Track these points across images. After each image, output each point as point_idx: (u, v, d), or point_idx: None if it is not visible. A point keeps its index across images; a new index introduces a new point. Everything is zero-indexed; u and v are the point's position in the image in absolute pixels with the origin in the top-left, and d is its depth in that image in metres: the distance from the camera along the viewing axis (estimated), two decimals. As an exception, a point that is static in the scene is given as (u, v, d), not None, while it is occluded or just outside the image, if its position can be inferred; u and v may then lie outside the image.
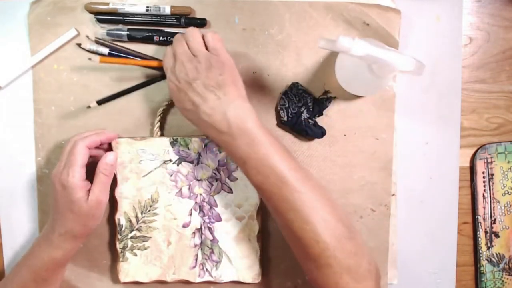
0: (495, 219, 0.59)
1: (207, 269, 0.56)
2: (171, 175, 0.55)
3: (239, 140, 0.47)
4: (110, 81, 0.56)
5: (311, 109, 0.56)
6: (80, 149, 0.50)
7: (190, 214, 0.56)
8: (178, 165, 0.55)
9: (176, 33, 0.54)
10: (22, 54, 0.56)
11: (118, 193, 0.55)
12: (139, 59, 0.56)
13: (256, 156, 0.46)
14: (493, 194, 0.59)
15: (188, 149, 0.55)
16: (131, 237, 0.56)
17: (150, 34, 0.55)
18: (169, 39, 0.55)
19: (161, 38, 0.55)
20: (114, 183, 0.55)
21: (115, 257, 0.58)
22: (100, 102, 0.55)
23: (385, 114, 0.57)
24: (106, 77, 0.56)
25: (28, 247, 0.59)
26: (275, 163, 0.46)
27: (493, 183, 0.59)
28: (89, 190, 0.51)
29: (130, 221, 0.56)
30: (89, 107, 0.55)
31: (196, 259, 0.56)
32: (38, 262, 0.51)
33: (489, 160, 0.58)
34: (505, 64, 0.58)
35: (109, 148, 0.55)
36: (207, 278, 0.56)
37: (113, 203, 0.56)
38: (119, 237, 0.56)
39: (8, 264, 0.59)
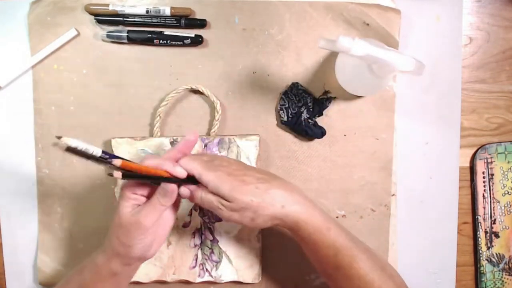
0: (495, 219, 0.59)
1: (207, 269, 0.56)
2: (171, 175, 0.55)
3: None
4: (110, 81, 0.56)
5: (311, 109, 0.56)
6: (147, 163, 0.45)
7: (190, 214, 0.56)
8: (178, 165, 0.55)
9: (176, 35, 0.55)
10: (22, 54, 0.56)
11: (118, 193, 0.55)
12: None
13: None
14: (493, 194, 0.59)
15: (188, 149, 0.55)
16: (131, 237, 0.56)
17: (150, 36, 0.55)
18: (169, 42, 0.55)
19: (161, 41, 0.55)
20: (114, 183, 0.55)
21: (115, 257, 0.58)
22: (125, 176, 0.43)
23: (385, 114, 0.57)
24: (106, 77, 0.56)
25: (27, 247, 0.59)
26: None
27: (493, 183, 0.59)
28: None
29: (130, 221, 0.56)
30: (110, 174, 0.42)
31: (196, 259, 0.56)
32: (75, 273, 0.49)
33: (489, 160, 0.58)
34: (505, 64, 0.58)
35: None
36: (207, 278, 0.56)
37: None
38: (119, 237, 0.56)
39: (8, 264, 0.59)
